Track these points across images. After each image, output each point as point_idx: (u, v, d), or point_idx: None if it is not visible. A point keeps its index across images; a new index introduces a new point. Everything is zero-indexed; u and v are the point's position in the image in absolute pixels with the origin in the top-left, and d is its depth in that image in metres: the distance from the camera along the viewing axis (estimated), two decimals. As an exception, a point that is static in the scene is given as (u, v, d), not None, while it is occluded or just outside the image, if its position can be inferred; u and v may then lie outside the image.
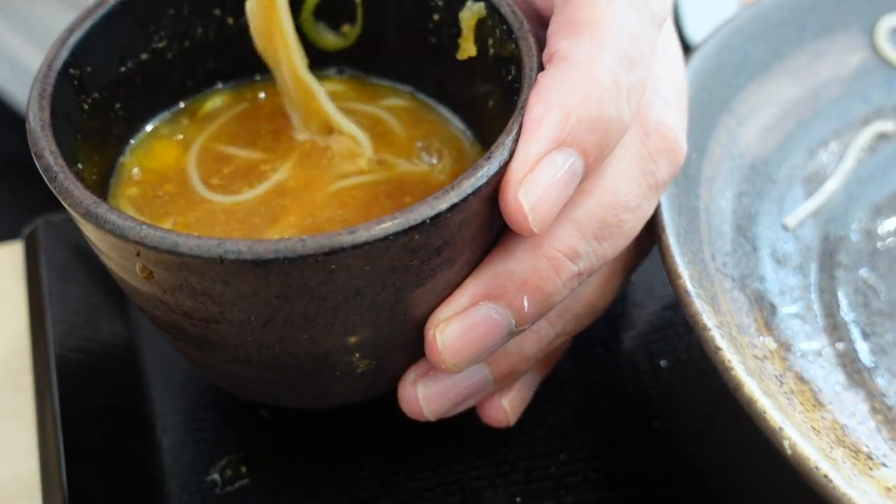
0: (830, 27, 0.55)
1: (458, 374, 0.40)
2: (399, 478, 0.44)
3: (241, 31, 0.44)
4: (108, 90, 0.42)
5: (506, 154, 0.35)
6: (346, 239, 0.33)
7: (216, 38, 0.45)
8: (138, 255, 0.34)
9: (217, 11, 0.45)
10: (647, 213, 0.40)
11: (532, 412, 0.46)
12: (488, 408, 0.43)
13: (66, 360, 0.48)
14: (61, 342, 0.48)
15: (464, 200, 0.34)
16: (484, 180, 0.34)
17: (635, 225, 0.40)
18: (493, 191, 0.35)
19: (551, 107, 0.36)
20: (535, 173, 0.35)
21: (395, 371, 0.41)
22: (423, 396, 0.40)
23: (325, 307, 0.35)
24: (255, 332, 0.36)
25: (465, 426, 0.46)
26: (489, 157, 0.35)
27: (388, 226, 0.33)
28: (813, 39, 0.55)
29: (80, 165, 0.39)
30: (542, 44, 0.39)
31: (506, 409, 0.43)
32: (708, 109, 0.49)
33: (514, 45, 0.40)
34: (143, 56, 0.43)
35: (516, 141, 0.35)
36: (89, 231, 0.36)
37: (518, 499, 0.44)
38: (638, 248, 0.44)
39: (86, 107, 0.41)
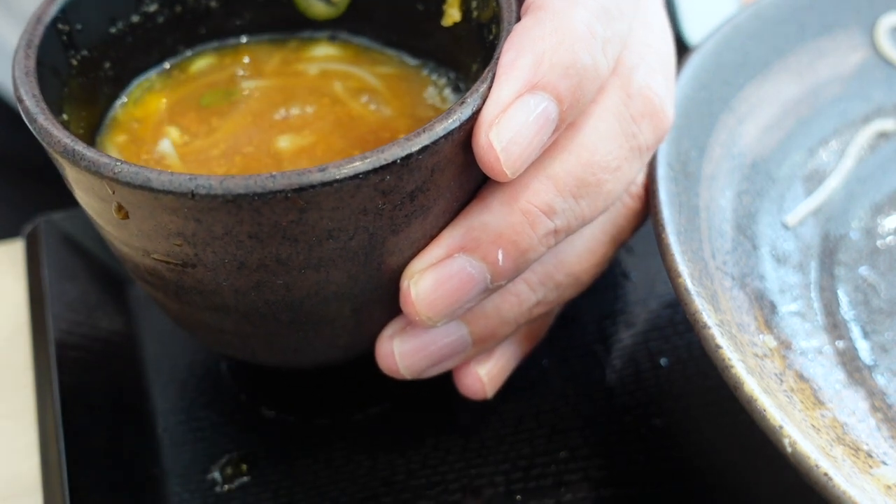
0: (831, 26, 0.55)
1: (436, 332, 0.40)
2: (399, 476, 0.45)
3: None
4: (98, 49, 0.42)
5: (479, 100, 0.35)
6: (316, 176, 0.33)
7: (207, 4, 0.46)
8: (113, 192, 0.34)
9: None
10: (629, 177, 0.40)
11: (532, 410, 0.47)
12: (465, 376, 0.43)
13: (67, 359, 0.48)
14: (62, 340, 0.48)
15: (435, 143, 0.34)
16: (457, 124, 0.35)
17: (615, 187, 0.39)
18: (466, 137, 0.35)
19: (523, 51, 0.36)
20: (508, 114, 0.35)
21: (374, 328, 0.41)
22: (399, 352, 0.40)
23: (298, 249, 0.35)
24: (229, 276, 0.36)
25: (465, 424, 0.46)
26: (462, 103, 0.35)
27: (358, 165, 0.33)
28: (813, 38, 0.55)
29: (65, 116, 0.40)
30: (521, 3, 0.39)
31: (482, 378, 0.43)
32: (708, 108, 0.50)
33: (495, 4, 0.40)
34: (134, 18, 0.44)
35: (490, 88, 0.36)
36: (68, 172, 0.36)
37: (518, 496, 0.44)
38: (626, 222, 0.44)
39: (74, 63, 0.41)
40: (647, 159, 0.41)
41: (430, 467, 0.45)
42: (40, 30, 0.39)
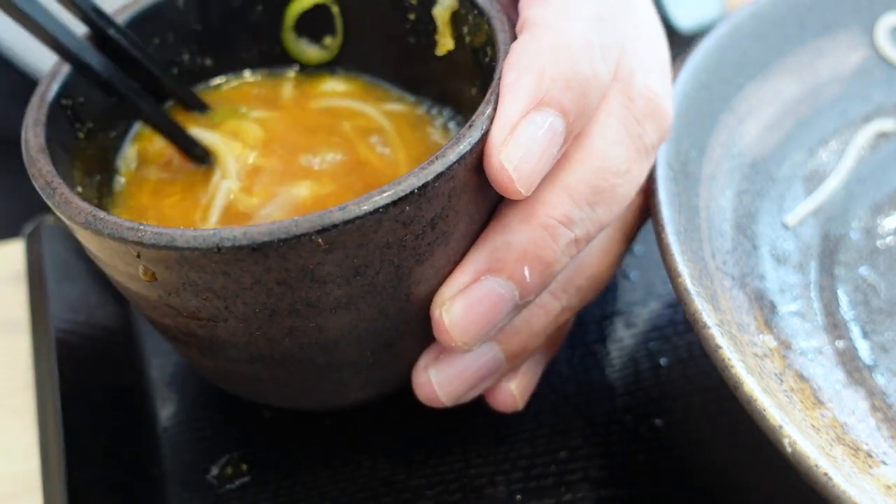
0: (830, 26, 0.55)
1: (470, 356, 0.40)
2: (399, 476, 0.45)
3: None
4: (102, 119, 0.42)
5: (486, 122, 0.36)
6: (338, 215, 0.33)
7: (203, 62, 0.46)
8: (139, 256, 0.34)
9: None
10: (639, 178, 0.41)
11: (532, 410, 0.47)
12: (497, 393, 0.43)
13: (67, 359, 0.48)
14: (62, 340, 0.48)
15: (449, 169, 0.34)
16: (468, 148, 0.35)
17: (628, 189, 0.40)
18: (478, 160, 0.36)
19: (523, 70, 0.36)
20: (516, 134, 0.35)
21: (407, 361, 0.41)
22: (437, 381, 0.40)
23: (327, 290, 0.35)
24: (262, 325, 0.36)
25: (465, 424, 0.46)
26: (470, 126, 0.35)
27: (378, 199, 0.33)
28: (813, 38, 0.55)
29: (79, 189, 0.40)
30: (514, 22, 0.39)
31: (513, 393, 0.43)
32: (708, 108, 0.50)
33: (487, 26, 0.40)
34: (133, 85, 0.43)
35: (495, 109, 0.36)
36: (91, 241, 0.36)
37: (518, 496, 0.44)
38: (634, 217, 0.44)
39: (81, 136, 0.41)
40: (653, 158, 0.42)
41: (431, 467, 0.45)
42: (45, 108, 0.39)
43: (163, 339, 0.50)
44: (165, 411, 0.48)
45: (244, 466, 0.45)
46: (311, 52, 0.47)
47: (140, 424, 0.47)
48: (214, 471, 0.45)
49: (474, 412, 0.45)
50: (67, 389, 0.46)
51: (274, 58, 0.47)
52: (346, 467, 0.45)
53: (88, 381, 0.48)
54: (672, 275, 0.40)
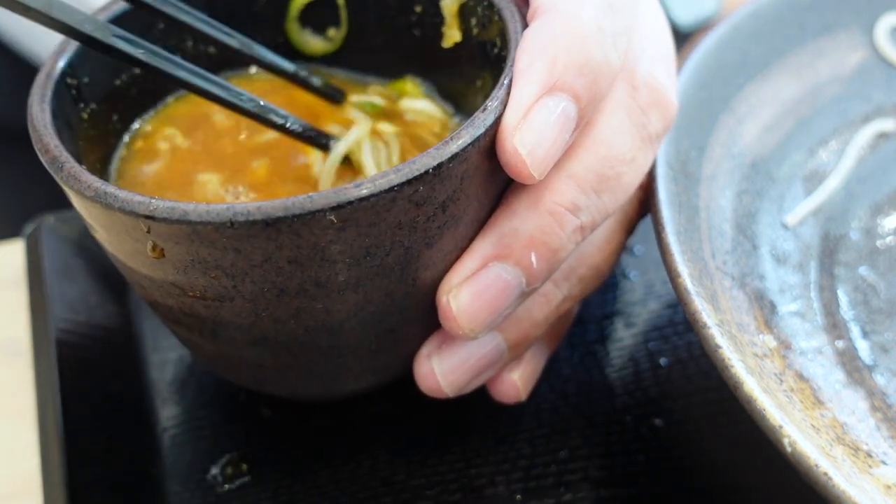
0: (830, 26, 0.55)
1: (473, 345, 0.40)
2: (399, 476, 0.45)
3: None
4: (106, 102, 0.42)
5: (501, 106, 0.36)
6: (352, 192, 0.33)
7: (206, 50, 0.46)
8: (149, 231, 0.34)
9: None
10: (644, 167, 0.41)
11: (532, 409, 0.47)
12: (500, 384, 0.43)
13: (68, 359, 0.48)
14: (62, 340, 0.48)
15: (463, 151, 0.35)
16: (482, 130, 0.35)
17: (633, 178, 0.40)
18: (490, 143, 0.36)
19: (537, 55, 0.36)
20: (529, 119, 0.36)
21: (409, 348, 0.41)
22: (440, 371, 0.40)
23: (337, 270, 0.35)
24: (269, 306, 0.36)
25: (465, 424, 0.46)
26: (484, 109, 0.36)
27: (393, 177, 0.34)
28: (813, 38, 0.55)
29: (84, 167, 0.39)
30: (522, 12, 0.40)
31: (516, 383, 0.43)
32: (708, 108, 0.50)
33: (497, 17, 0.40)
34: (136, 69, 0.43)
35: (508, 94, 0.36)
36: (98, 216, 0.36)
37: (518, 496, 0.44)
38: (634, 209, 0.45)
39: (85, 116, 0.41)
40: (657, 148, 0.42)
41: (430, 467, 0.45)
42: (51, 85, 0.39)
43: (163, 340, 0.50)
44: (165, 411, 0.48)
45: (244, 466, 0.45)
46: (314, 43, 0.47)
47: (140, 424, 0.47)
48: (214, 471, 0.45)
49: (474, 411, 0.46)
50: (67, 389, 0.46)
51: (276, 48, 0.47)
52: (345, 467, 0.45)
53: (88, 380, 0.48)
54: (672, 275, 0.40)
